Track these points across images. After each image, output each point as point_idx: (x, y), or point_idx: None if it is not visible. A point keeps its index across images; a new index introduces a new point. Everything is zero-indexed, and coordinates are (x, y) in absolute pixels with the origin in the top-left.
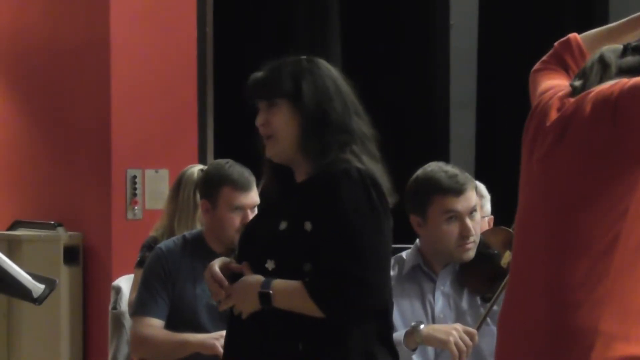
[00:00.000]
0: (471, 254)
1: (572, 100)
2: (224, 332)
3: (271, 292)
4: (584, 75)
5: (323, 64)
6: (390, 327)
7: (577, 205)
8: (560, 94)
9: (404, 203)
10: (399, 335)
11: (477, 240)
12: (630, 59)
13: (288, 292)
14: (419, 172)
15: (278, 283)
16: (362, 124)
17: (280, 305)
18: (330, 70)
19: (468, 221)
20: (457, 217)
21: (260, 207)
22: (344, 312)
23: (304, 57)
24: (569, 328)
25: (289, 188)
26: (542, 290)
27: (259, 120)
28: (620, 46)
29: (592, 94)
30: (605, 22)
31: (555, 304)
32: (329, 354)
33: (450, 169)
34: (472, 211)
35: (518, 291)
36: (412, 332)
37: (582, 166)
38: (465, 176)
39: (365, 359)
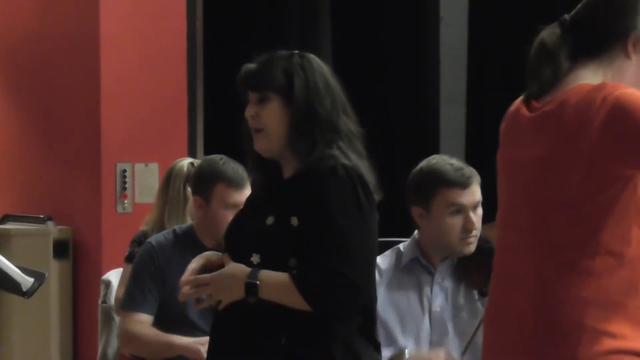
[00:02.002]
0: (472, 247)
1: (543, 101)
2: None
3: (258, 282)
4: (536, 76)
5: (315, 60)
6: (372, 321)
7: (555, 204)
8: (523, 96)
9: (394, 197)
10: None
11: (479, 235)
12: (577, 40)
13: (275, 284)
14: (423, 164)
15: (265, 274)
16: (349, 122)
17: (266, 296)
18: (321, 67)
19: (472, 215)
20: (462, 210)
21: (247, 201)
22: (332, 308)
23: (297, 52)
24: (555, 324)
25: (276, 183)
26: (527, 286)
27: (248, 112)
28: (556, 28)
29: (574, 98)
30: None
31: (540, 300)
32: (311, 347)
33: (455, 162)
34: (476, 205)
35: (503, 287)
36: (398, 358)
37: (555, 168)
38: (470, 170)
39: (347, 352)
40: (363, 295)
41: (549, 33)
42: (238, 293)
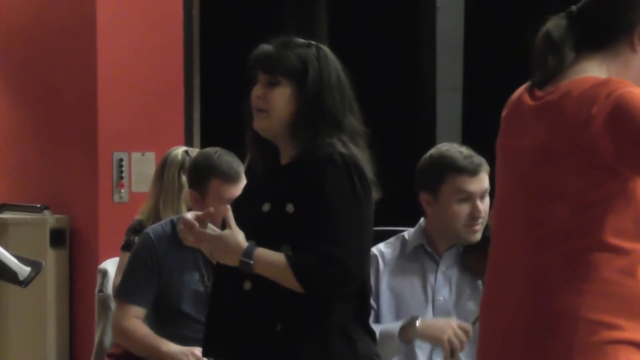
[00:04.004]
0: (478, 236)
1: (546, 90)
2: (196, 350)
3: (252, 262)
4: (541, 65)
5: (330, 53)
6: (367, 309)
7: (552, 195)
8: (527, 85)
9: (389, 185)
10: (394, 327)
11: (485, 223)
12: (583, 31)
13: (270, 262)
14: (433, 151)
15: (260, 253)
16: (354, 121)
17: (260, 272)
18: (336, 62)
19: (479, 203)
20: (469, 198)
21: (245, 187)
22: (322, 288)
23: (314, 42)
24: (550, 314)
25: (274, 170)
26: (522, 276)
27: (256, 92)
28: (562, 19)
29: (577, 90)
30: None
31: (536, 290)
32: (307, 334)
33: (464, 150)
34: (483, 193)
35: (499, 275)
36: (407, 327)
37: (554, 159)
38: (479, 158)
39: (343, 339)
40: (355, 280)
41: (555, 24)
42: (232, 264)
